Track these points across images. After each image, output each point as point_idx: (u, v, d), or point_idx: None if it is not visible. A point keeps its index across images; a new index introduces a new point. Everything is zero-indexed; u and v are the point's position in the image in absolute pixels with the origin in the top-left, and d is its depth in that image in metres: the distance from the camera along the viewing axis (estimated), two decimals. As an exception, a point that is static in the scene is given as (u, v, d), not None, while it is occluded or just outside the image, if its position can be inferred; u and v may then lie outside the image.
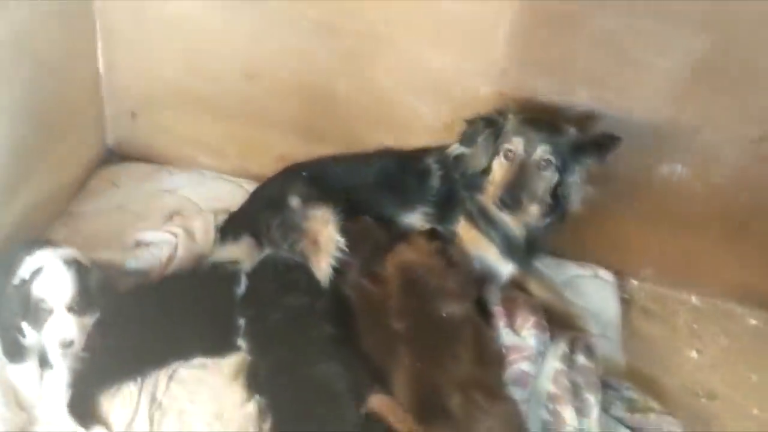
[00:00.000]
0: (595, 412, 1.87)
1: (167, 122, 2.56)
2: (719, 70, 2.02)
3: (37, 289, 1.70)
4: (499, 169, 2.01)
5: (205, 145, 2.60)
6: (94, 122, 2.55)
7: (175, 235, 2.23)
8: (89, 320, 1.79)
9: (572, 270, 2.50)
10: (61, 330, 1.72)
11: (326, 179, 2.25)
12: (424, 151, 2.25)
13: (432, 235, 2.13)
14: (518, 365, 1.91)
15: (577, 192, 2.06)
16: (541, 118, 2.02)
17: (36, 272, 1.72)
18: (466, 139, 2.07)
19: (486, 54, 2.14)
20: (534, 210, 2.04)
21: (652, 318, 2.45)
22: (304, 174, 2.27)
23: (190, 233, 2.24)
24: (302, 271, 2.01)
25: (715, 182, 2.25)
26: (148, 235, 2.23)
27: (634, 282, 2.56)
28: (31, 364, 1.82)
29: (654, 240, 2.44)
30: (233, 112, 2.47)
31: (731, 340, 2.41)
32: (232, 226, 2.27)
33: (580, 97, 2.15)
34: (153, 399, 1.86)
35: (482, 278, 2.15)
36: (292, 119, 2.44)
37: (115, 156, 2.66)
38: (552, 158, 1.95)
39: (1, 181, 2.02)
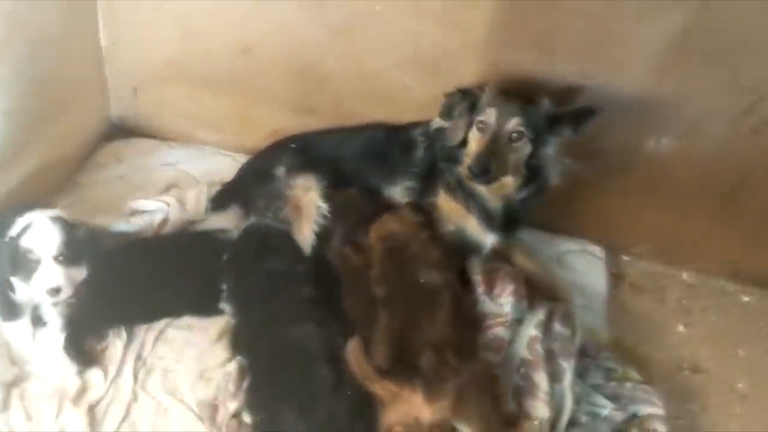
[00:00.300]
0: (567, 378, 1.89)
1: (167, 98, 2.65)
2: (700, 41, 2.01)
3: (25, 242, 1.82)
4: (473, 141, 2.03)
5: (203, 121, 2.68)
6: (98, 97, 2.65)
7: (168, 203, 2.31)
8: (76, 272, 1.88)
9: (562, 245, 2.52)
10: (48, 278, 1.82)
11: (314, 151, 2.31)
12: (411, 125, 2.29)
13: (416, 207, 2.17)
14: (493, 331, 1.94)
15: (554, 165, 2.09)
16: (517, 90, 2.03)
17: (24, 228, 1.83)
18: (445, 111, 2.10)
19: (469, 27, 2.16)
20: (509, 181, 2.07)
21: (641, 293, 2.46)
22: (292, 146, 2.33)
23: (182, 202, 2.32)
24: (284, 236, 2.07)
25: (700, 156, 2.24)
26: (143, 204, 2.32)
27: (626, 258, 2.57)
28: (25, 321, 1.92)
29: (645, 215, 2.44)
30: (229, 87, 2.55)
31: (720, 315, 2.41)
32: (222, 197, 2.35)
33: (563, 71, 2.16)
34: (138, 357, 1.95)
35: (464, 249, 2.19)
36: (285, 94, 2.50)
37: (119, 131, 2.76)
38: (524, 130, 1.97)
39: (2, 148, 2.12)
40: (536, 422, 1.80)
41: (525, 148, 2.01)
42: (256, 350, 1.88)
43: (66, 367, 1.85)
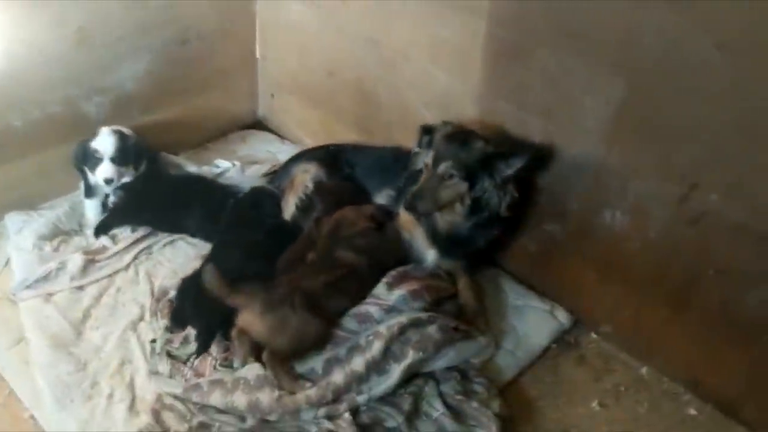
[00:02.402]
0: (403, 364, 2.11)
1: (289, 105, 3.44)
2: (640, 117, 2.12)
3: (94, 143, 2.67)
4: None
5: (307, 127, 3.40)
6: (249, 95, 3.55)
7: (234, 165, 3.09)
8: (126, 170, 2.70)
9: (530, 300, 2.62)
10: (105, 171, 2.66)
11: (342, 155, 2.87)
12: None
13: (379, 208, 2.59)
14: (367, 307, 2.27)
15: (498, 197, 2.34)
16: (459, 134, 2.36)
17: (95, 134, 2.69)
18: (417, 142, 2.50)
19: (470, 77, 2.53)
20: (448, 210, 2.38)
21: (583, 366, 2.45)
22: (330, 148, 2.93)
23: (244, 169, 3.08)
24: (274, 201, 2.69)
25: (651, 238, 2.24)
26: (219, 161, 3.16)
27: (593, 336, 2.55)
28: (96, 200, 2.80)
29: (608, 291, 2.46)
30: (321, 103, 3.24)
31: (651, 411, 2.29)
32: (270, 173, 3.05)
33: (533, 127, 2.40)
34: (149, 247, 2.71)
35: (411, 256, 2.53)
36: (354, 114, 3.10)
37: (261, 125, 3.62)
38: (454, 172, 2.29)
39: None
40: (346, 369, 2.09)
41: (459, 185, 2.33)
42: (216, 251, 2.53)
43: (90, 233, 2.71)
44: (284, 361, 2.10)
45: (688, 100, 2.00)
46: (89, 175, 2.73)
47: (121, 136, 2.69)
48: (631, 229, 2.29)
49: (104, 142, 2.66)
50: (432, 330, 2.21)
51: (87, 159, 2.69)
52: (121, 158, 2.67)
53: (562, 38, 2.21)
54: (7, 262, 2.61)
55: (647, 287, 2.34)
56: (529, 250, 2.63)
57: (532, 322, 2.54)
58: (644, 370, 2.44)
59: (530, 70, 2.34)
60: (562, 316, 2.58)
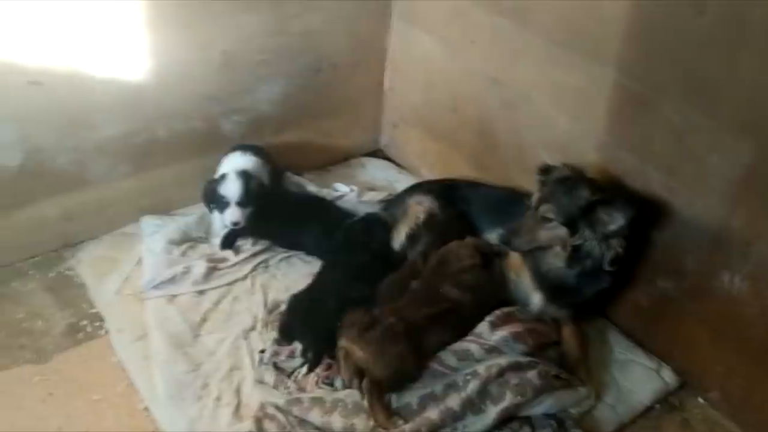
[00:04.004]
0: (500, 406, 2.12)
1: (409, 136, 3.53)
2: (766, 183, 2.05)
3: (222, 189, 2.81)
4: None
5: (425, 159, 3.47)
6: (373, 124, 3.68)
7: (352, 190, 3.22)
8: (248, 210, 2.83)
9: (637, 356, 2.56)
10: (233, 215, 2.81)
11: (457, 191, 2.93)
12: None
13: (485, 245, 2.62)
14: (468, 344, 2.30)
15: (596, 248, 2.31)
16: (570, 179, 2.35)
17: (222, 177, 2.83)
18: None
19: (591, 124, 2.53)
20: (553, 254, 2.39)
21: None
22: (446, 183, 2.99)
23: (361, 195, 3.20)
24: (385, 228, 2.79)
25: (771, 307, 2.16)
26: (338, 185, 3.30)
27: (700, 400, 2.46)
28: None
29: (720, 357, 2.37)
30: (442, 136, 3.30)
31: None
32: (386, 200, 3.14)
33: (654, 181, 2.36)
34: (266, 261, 2.87)
35: (516, 298, 2.54)
36: (473, 150, 3.14)
37: (381, 153, 3.74)
38: (552, 215, 2.30)
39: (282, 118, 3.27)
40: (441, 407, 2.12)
41: (558, 230, 2.33)
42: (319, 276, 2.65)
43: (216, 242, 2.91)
44: (382, 392, 2.16)
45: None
46: (217, 213, 2.91)
47: (246, 180, 2.81)
48: (751, 295, 2.21)
49: (231, 188, 2.79)
50: (532, 375, 2.21)
51: (215, 201, 2.85)
52: (246, 201, 2.81)
53: (689, 93, 2.18)
54: (139, 261, 2.83)
55: (763, 356, 2.23)
56: (640, 304, 2.57)
57: (637, 378, 2.48)
58: (750, 441, 2.33)
59: (655, 122, 2.31)
60: (669, 377, 2.50)
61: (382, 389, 2.17)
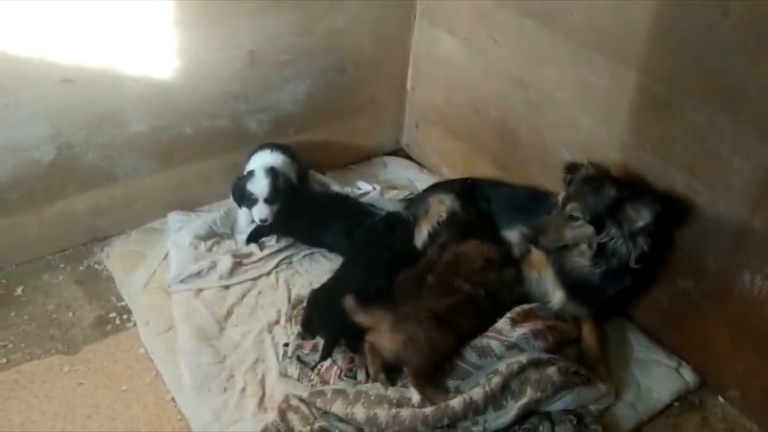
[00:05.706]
0: (521, 402, 2.16)
1: (431, 136, 3.57)
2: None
3: (250, 186, 2.85)
4: None
5: (447, 158, 3.51)
6: (395, 123, 3.72)
7: (374, 188, 3.26)
8: (275, 207, 2.87)
9: (656, 354, 2.58)
10: (261, 212, 2.86)
11: (478, 189, 2.95)
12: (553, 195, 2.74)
13: (499, 250, 2.62)
14: (488, 340, 2.33)
15: (622, 246, 2.33)
16: (596, 178, 2.37)
17: (250, 174, 2.88)
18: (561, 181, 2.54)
19: (615, 124, 2.54)
20: (578, 252, 2.41)
21: (705, 430, 2.38)
22: (468, 181, 3.02)
23: (383, 193, 3.24)
24: (407, 226, 2.83)
25: (793, 308, 2.17)
26: (361, 183, 3.34)
27: (720, 399, 2.47)
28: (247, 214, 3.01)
29: (740, 356, 2.38)
30: (463, 136, 3.33)
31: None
32: (407, 199, 3.17)
33: (676, 181, 2.38)
34: (289, 257, 2.92)
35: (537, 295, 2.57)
36: (494, 150, 3.17)
37: (403, 152, 3.78)
38: (579, 214, 2.33)
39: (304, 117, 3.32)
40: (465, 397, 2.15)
41: (584, 228, 2.35)
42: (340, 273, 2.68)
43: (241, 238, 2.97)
44: (428, 377, 2.23)
45: None
46: (245, 209, 2.97)
47: (273, 177, 2.86)
48: (771, 296, 2.22)
49: (259, 185, 2.84)
50: (552, 371, 2.24)
51: (243, 198, 2.90)
52: (273, 198, 2.86)
53: (712, 95, 2.19)
54: (166, 256, 2.88)
55: (784, 358, 2.25)
56: (660, 304, 2.58)
57: (656, 377, 2.50)
58: (771, 442, 2.34)
59: (678, 124, 2.32)
60: (689, 375, 2.52)
61: (427, 374, 2.23)
